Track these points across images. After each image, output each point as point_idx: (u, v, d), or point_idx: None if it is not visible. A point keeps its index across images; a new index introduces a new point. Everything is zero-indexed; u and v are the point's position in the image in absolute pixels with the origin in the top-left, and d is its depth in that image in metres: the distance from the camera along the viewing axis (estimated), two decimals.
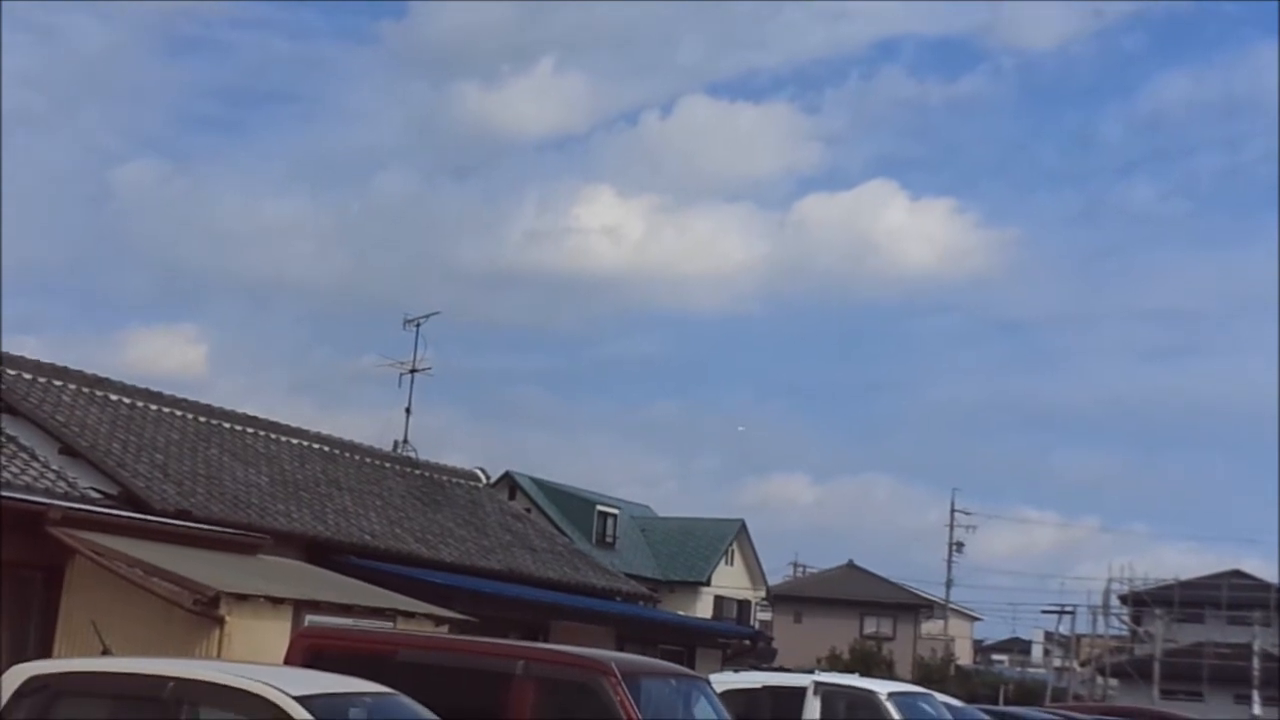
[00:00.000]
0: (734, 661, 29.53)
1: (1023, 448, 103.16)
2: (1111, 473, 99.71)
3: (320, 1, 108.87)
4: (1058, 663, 71.09)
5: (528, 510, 40.84)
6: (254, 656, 13.40)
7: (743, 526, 61.95)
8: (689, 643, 28.67)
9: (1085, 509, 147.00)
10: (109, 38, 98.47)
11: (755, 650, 35.36)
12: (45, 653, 14.57)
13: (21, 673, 10.12)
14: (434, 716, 10.20)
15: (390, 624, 16.70)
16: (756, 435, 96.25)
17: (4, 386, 20.55)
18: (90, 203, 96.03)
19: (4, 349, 21.57)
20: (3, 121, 76.17)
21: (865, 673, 32.45)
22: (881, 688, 19.20)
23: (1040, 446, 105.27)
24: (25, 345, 24.15)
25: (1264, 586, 62.88)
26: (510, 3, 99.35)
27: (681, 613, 44.07)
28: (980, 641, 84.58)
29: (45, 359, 22.28)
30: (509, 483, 52.48)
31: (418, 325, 33.12)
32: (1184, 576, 65.58)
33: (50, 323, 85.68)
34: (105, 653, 11.15)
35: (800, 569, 76.24)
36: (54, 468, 19.13)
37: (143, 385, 23.95)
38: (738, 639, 32.39)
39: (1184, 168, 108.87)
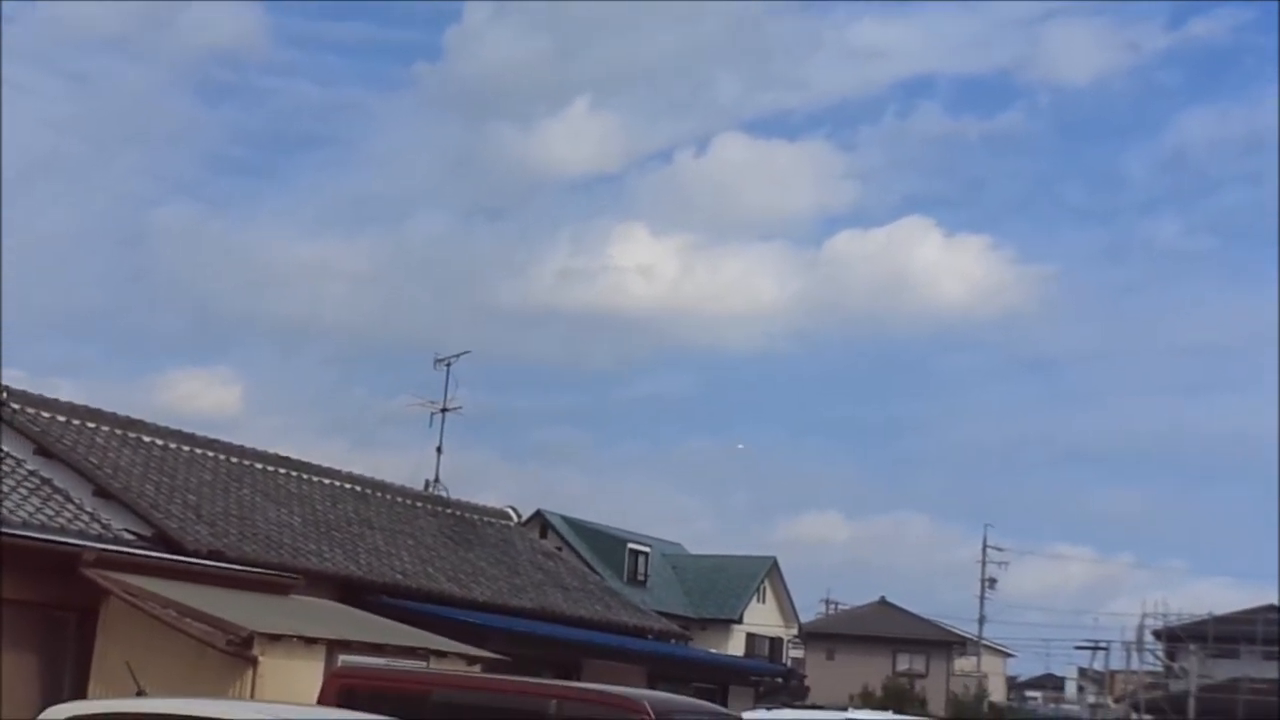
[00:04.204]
0: (767, 699, 29.44)
1: (1056, 484, 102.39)
2: (1146, 508, 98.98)
3: (356, 44, 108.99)
4: (1092, 699, 70.43)
5: (559, 549, 40.81)
6: (287, 697, 13.43)
7: (774, 564, 61.85)
8: (721, 681, 28.60)
9: (1120, 545, 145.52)
10: (142, 83, 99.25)
11: (788, 688, 35.27)
12: (80, 694, 14.64)
13: (57, 713, 10.19)
14: None
15: (423, 663, 16.71)
16: (789, 473, 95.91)
17: (39, 429, 20.70)
18: (125, 246, 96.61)
19: (39, 392, 21.76)
20: (32, 168, 76.77)
21: (899, 710, 32.33)
22: None
23: (1074, 482, 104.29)
24: (60, 388, 24.43)
25: None
26: (545, 43, 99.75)
27: (713, 650, 43.98)
28: (1014, 678, 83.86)
29: (80, 401, 22.50)
30: (540, 521, 52.51)
31: (449, 365, 33.31)
32: (1219, 612, 64.98)
33: (85, 365, 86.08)
34: (140, 693, 11.21)
35: (832, 606, 75.85)
36: (88, 510, 19.22)
37: (176, 427, 24.15)
38: (770, 677, 32.30)
39: (1209, 204, 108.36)
